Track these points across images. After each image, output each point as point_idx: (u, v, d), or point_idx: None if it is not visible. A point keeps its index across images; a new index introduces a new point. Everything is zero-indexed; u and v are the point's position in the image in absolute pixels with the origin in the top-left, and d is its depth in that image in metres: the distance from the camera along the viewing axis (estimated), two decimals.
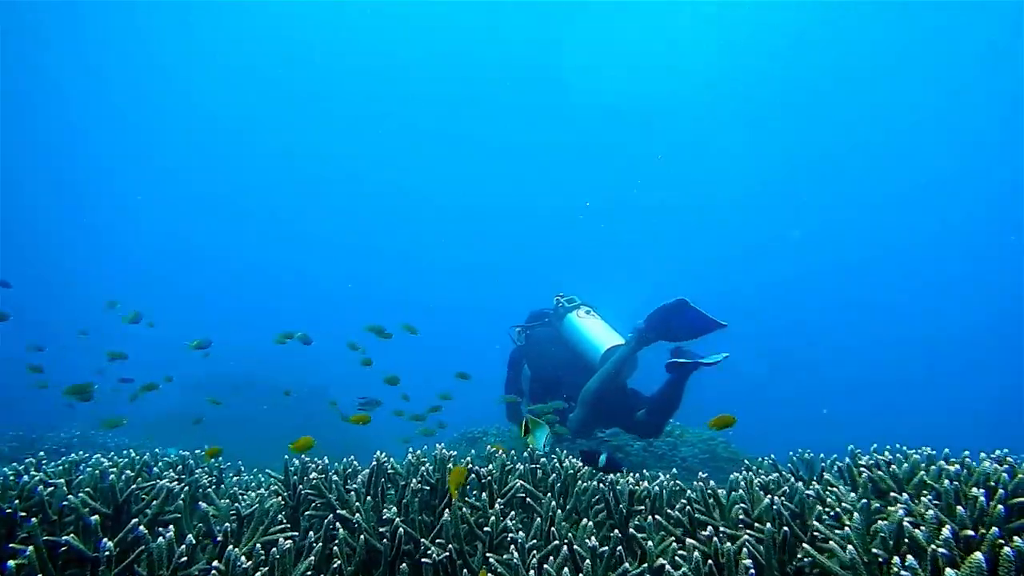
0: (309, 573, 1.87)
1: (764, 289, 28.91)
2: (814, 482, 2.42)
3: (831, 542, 1.44)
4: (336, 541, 2.05)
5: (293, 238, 32.39)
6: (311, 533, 2.15)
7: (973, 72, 21.67)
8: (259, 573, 1.80)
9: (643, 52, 25.52)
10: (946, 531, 1.26)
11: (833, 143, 26.39)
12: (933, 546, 1.24)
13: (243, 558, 1.78)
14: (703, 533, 1.81)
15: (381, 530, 2.18)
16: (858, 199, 27.48)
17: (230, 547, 1.83)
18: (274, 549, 1.81)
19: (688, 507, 2.07)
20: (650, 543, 1.87)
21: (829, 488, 1.83)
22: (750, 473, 2.53)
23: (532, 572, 1.74)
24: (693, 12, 23.92)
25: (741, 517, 1.90)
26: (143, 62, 25.56)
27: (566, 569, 1.71)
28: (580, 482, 2.48)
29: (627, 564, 1.83)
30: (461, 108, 28.83)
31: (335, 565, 1.93)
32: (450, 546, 2.04)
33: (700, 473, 2.69)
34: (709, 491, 2.08)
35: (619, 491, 2.28)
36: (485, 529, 2.09)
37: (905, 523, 1.34)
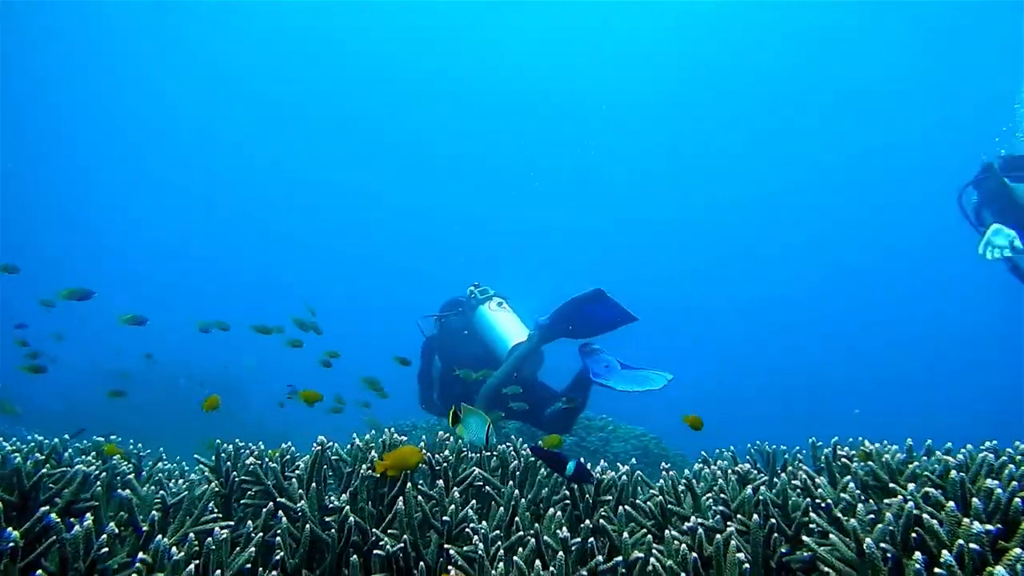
0: (248, 566, 1.69)
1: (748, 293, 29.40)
2: (780, 474, 2.37)
3: (832, 536, 1.37)
4: (277, 532, 1.87)
5: (272, 239, 31.39)
6: (248, 523, 1.97)
7: (974, 71, 22.10)
8: (192, 566, 1.61)
9: (562, 43, 25.64)
10: (976, 526, 1.20)
11: (830, 143, 26.91)
12: (962, 541, 1.17)
13: (173, 549, 1.59)
14: (687, 524, 1.71)
15: (327, 519, 2.01)
16: (858, 199, 28.10)
17: (158, 537, 1.63)
18: (209, 539, 1.62)
19: (660, 498, 1.97)
20: (625, 535, 1.76)
21: (814, 480, 1.77)
22: (717, 465, 2.46)
23: (500, 565, 1.60)
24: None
25: (720, 508, 1.82)
26: (126, 63, 24.79)
27: (538, 562, 1.59)
28: (542, 470, 2.36)
29: (599, 557, 1.72)
30: (409, 110, 28.54)
31: (277, 557, 1.75)
32: (404, 536, 1.89)
33: (663, 464, 2.61)
34: (683, 481, 1.99)
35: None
36: (444, 519, 1.94)
37: (925, 516, 1.26)
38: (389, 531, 2.00)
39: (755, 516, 1.58)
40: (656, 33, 25.28)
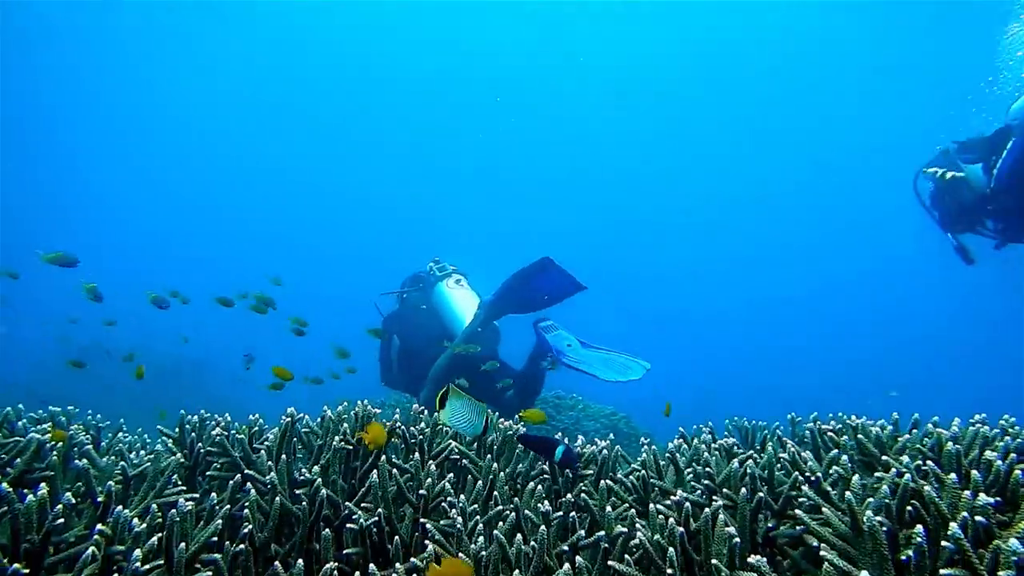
0: (215, 540, 1.62)
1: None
2: (760, 450, 2.35)
3: (825, 510, 1.33)
4: (245, 504, 1.80)
5: (266, 236, 30.81)
6: (213, 495, 1.89)
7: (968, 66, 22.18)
8: (155, 538, 1.53)
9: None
10: (982, 497, 1.17)
11: (829, 140, 27.01)
12: (965, 514, 1.14)
13: (135, 520, 1.51)
14: (672, 498, 1.67)
15: (297, 492, 1.94)
16: (855, 199, 28.27)
17: (118, 508, 1.55)
18: (173, 511, 1.54)
19: (642, 472, 1.93)
20: (608, 509, 1.72)
21: (801, 454, 1.74)
22: (700, 440, 2.43)
23: (480, 539, 1.55)
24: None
25: (705, 483, 1.78)
26: (121, 60, 24.20)
27: (519, 537, 1.54)
28: (520, 445, 2.31)
29: (581, 532, 1.68)
30: (395, 107, 28.27)
31: (245, 530, 1.68)
32: (379, 510, 1.83)
33: (642, 439, 2.58)
34: (667, 454, 1.95)
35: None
36: (420, 492, 1.88)
37: (927, 489, 1.23)
38: (362, 505, 1.94)
39: (743, 490, 1.54)
40: (645, 31, 25.26)
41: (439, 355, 4.90)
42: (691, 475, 2.03)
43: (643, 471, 1.93)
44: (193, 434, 2.18)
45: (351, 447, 2.16)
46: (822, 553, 1.17)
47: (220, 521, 1.64)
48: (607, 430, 7.04)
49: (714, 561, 1.33)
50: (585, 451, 2.12)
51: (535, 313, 4.98)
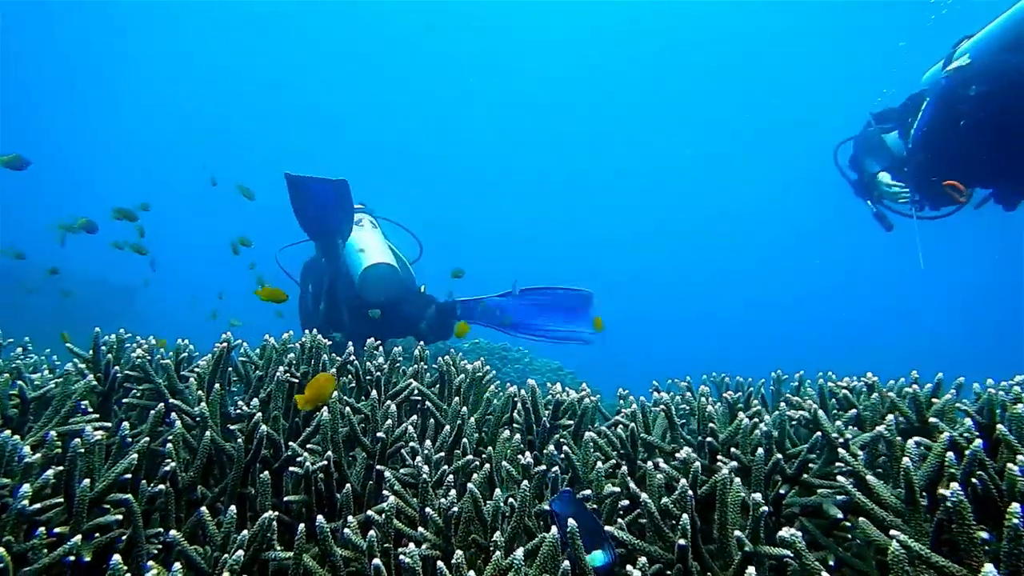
0: (128, 477, 1.36)
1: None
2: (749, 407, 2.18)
3: (869, 478, 1.15)
4: (168, 439, 1.54)
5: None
6: (125, 425, 1.62)
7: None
8: (52, 472, 1.27)
9: None
10: None
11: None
12: None
13: (26, 448, 1.25)
14: (680, 455, 1.48)
15: (232, 428, 1.68)
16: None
17: (5, 433, 1.28)
18: (77, 441, 1.28)
19: (631, 425, 1.73)
20: (599, 465, 1.52)
21: (820, 413, 1.56)
22: (687, 395, 2.25)
23: (451, 493, 1.32)
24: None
25: (708, 441, 1.59)
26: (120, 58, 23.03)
27: (497, 492, 1.32)
28: (490, 387, 2.10)
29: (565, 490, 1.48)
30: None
31: (167, 468, 1.43)
32: (328, 453, 1.60)
33: (620, 389, 2.40)
34: (662, 406, 1.75)
35: (538, 400, 1.91)
36: (378, 435, 1.65)
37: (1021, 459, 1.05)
38: (308, 446, 1.70)
39: (759, 450, 1.36)
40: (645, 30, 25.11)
41: (346, 299, 4.77)
42: (709, 430, 1.85)
43: (632, 424, 1.73)
44: (110, 355, 1.90)
45: (296, 380, 1.91)
46: (892, 533, 0.99)
47: (135, 456, 1.38)
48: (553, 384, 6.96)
49: (737, 533, 1.14)
50: (563, 399, 1.91)
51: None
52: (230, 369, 1.97)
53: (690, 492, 1.27)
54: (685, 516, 1.17)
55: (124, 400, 1.87)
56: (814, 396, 1.84)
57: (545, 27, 26.67)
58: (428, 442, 1.58)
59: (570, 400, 1.94)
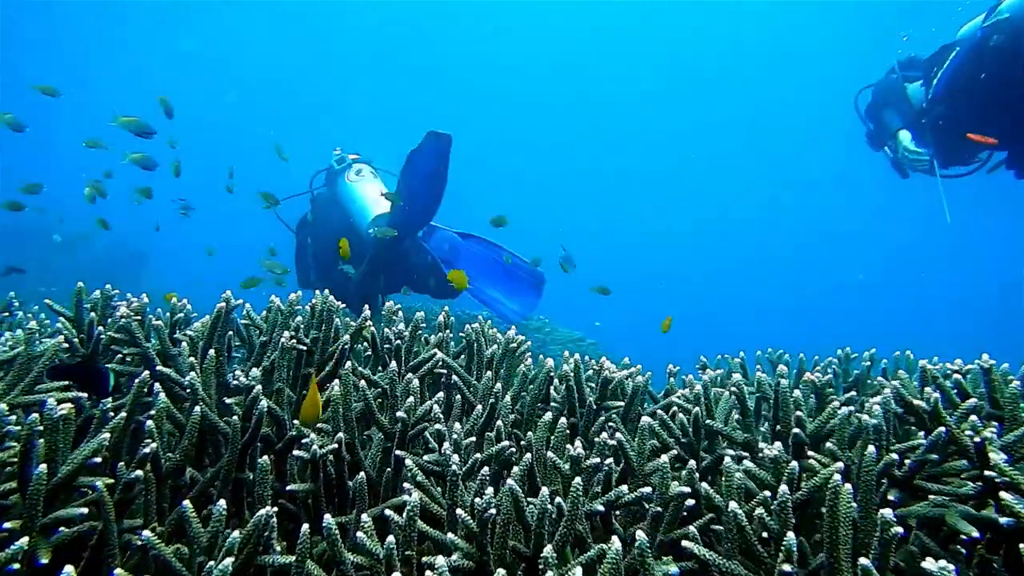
0: (100, 460, 1.13)
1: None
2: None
3: None
4: (151, 413, 1.31)
5: None
6: (107, 399, 1.39)
7: None
8: (6, 453, 1.05)
9: None
10: None
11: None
12: None
13: None
14: (768, 452, 1.23)
15: (229, 402, 1.45)
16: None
17: None
18: (34, 416, 1.05)
19: (695, 410, 1.48)
20: (664, 459, 1.27)
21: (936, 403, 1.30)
22: (735, 376, 1.99)
23: (488, 490, 1.09)
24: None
25: (795, 431, 1.34)
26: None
27: (545, 490, 1.08)
28: (528, 359, 1.85)
29: (623, 488, 1.24)
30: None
31: (147, 451, 1.20)
32: (339, 435, 1.36)
33: (670, 366, 2.14)
34: (732, 389, 1.50)
35: (582, 377, 1.67)
36: (398, 415, 1.42)
37: None
38: (317, 426, 1.47)
39: (870, 448, 1.11)
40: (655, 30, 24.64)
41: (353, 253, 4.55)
42: (797, 419, 1.60)
43: (694, 408, 1.48)
44: (93, 314, 1.67)
45: (304, 347, 1.67)
46: None
47: (107, 436, 1.16)
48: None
49: (864, 561, 0.89)
50: (613, 376, 1.67)
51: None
52: (231, 333, 1.74)
53: (790, 501, 1.02)
54: (790, 535, 0.92)
55: (109, 366, 1.64)
56: (910, 381, 1.58)
57: (546, 27, 26.30)
58: (457, 424, 1.34)
59: (619, 378, 1.69)
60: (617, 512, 1.34)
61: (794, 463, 1.12)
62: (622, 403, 1.64)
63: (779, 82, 25.42)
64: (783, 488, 1.01)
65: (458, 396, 1.70)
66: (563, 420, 1.37)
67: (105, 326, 1.68)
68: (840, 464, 1.14)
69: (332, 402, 1.41)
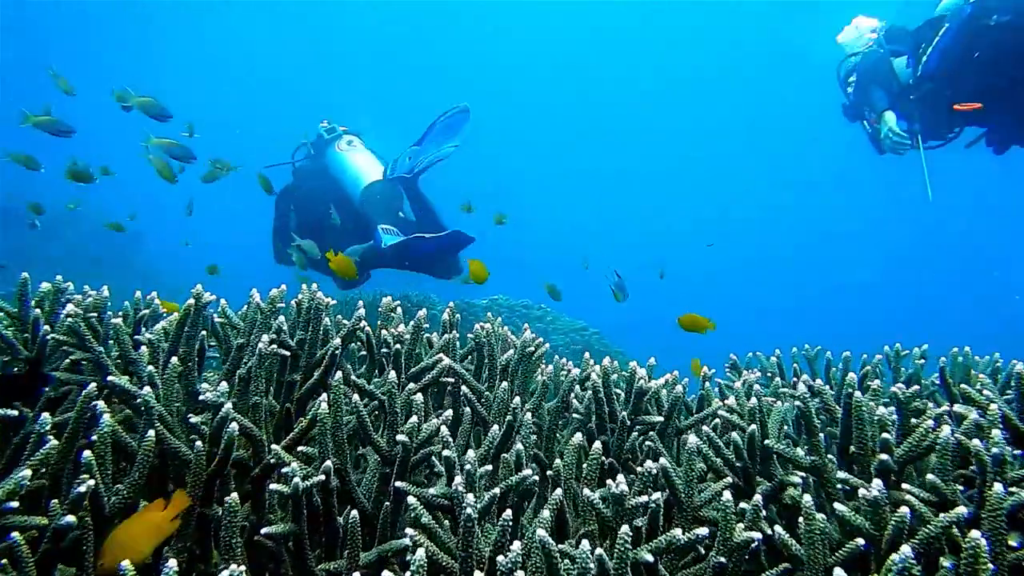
0: (14, 506, 0.89)
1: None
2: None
3: None
4: (97, 433, 1.06)
5: None
6: (45, 416, 1.14)
7: None
8: None
9: None
10: None
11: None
12: None
13: None
14: (863, 494, 0.99)
15: (193, 421, 1.21)
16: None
17: None
18: None
19: (749, 427, 1.24)
20: (726, 495, 1.03)
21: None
22: (775, 379, 1.75)
23: (513, 549, 0.85)
24: None
25: (881, 458, 1.10)
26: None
27: (586, 545, 0.84)
28: (549, 367, 1.61)
29: (677, 532, 1.00)
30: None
31: (83, 488, 0.95)
32: (328, 463, 1.12)
33: (704, 368, 1.90)
34: (798, 403, 1.26)
35: (611, 386, 1.42)
36: (399, 438, 1.18)
37: None
38: (300, 449, 1.22)
39: (996, 486, 0.87)
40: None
41: (343, 227, 4.73)
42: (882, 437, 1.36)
43: (750, 426, 1.24)
44: (37, 310, 1.42)
45: (288, 353, 1.43)
46: None
47: (27, 473, 0.91)
48: (577, 345, 6.59)
49: None
50: (647, 386, 1.43)
51: None
52: (204, 333, 1.49)
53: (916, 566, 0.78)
54: None
55: (55, 374, 1.40)
56: (991, 386, 1.34)
57: (545, 27, 26.01)
58: (470, 452, 1.10)
59: (654, 388, 1.45)
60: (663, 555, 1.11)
61: (904, 511, 0.88)
62: (660, 418, 1.40)
63: (779, 82, 25.15)
64: (904, 552, 0.77)
65: (467, 408, 1.46)
66: (597, 444, 1.13)
67: (53, 325, 1.43)
68: (962, 510, 0.90)
69: (316, 420, 1.17)
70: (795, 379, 2.12)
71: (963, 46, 3.70)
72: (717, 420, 1.49)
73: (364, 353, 1.72)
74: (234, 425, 1.09)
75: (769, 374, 2.12)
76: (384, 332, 1.55)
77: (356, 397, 1.25)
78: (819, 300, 27.13)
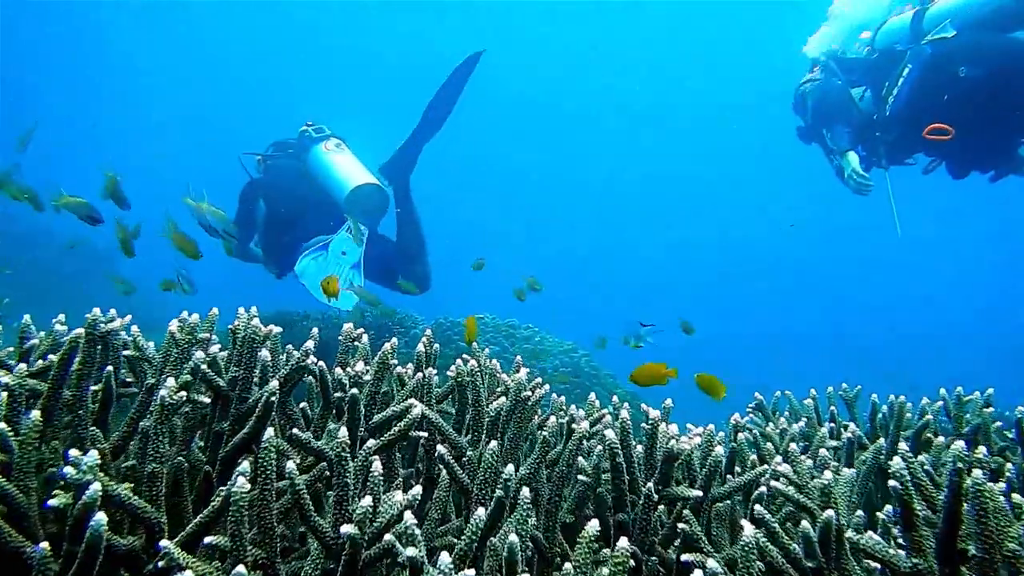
0: None
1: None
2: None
3: None
4: None
5: None
6: None
7: None
8: None
9: None
10: None
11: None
12: None
13: None
14: None
15: (52, 504, 0.86)
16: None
17: None
18: None
19: (825, 514, 0.91)
20: None
21: None
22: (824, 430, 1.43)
23: None
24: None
25: (1016, 547, 0.78)
26: None
27: None
28: (551, 420, 1.27)
29: None
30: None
31: None
32: (240, 568, 0.78)
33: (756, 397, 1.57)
34: (900, 485, 0.92)
35: (631, 448, 1.09)
36: (346, 530, 0.83)
37: None
38: (208, 540, 0.88)
39: None
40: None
41: (316, 223, 4.77)
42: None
43: (824, 512, 0.91)
44: None
45: (207, 402, 1.08)
46: None
47: None
48: (567, 367, 6.33)
49: None
50: (678, 447, 1.09)
51: None
52: (110, 369, 1.15)
53: None
54: None
55: None
56: None
57: (544, 29, 25.94)
58: (444, 556, 0.76)
59: (687, 449, 1.12)
60: None
61: None
62: (696, 492, 1.06)
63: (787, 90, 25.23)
64: None
65: (444, 471, 1.12)
66: (623, 544, 0.79)
67: None
68: None
69: (234, 503, 0.83)
70: (830, 422, 1.80)
71: (931, 91, 3.69)
72: (762, 488, 1.16)
73: (319, 390, 1.38)
74: (101, 517, 0.74)
75: (803, 419, 1.80)
76: (339, 372, 1.21)
77: (291, 465, 0.91)
78: (820, 314, 26.87)
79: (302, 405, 1.58)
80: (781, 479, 1.10)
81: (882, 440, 1.47)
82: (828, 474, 0.95)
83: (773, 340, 24.05)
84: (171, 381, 0.97)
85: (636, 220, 29.51)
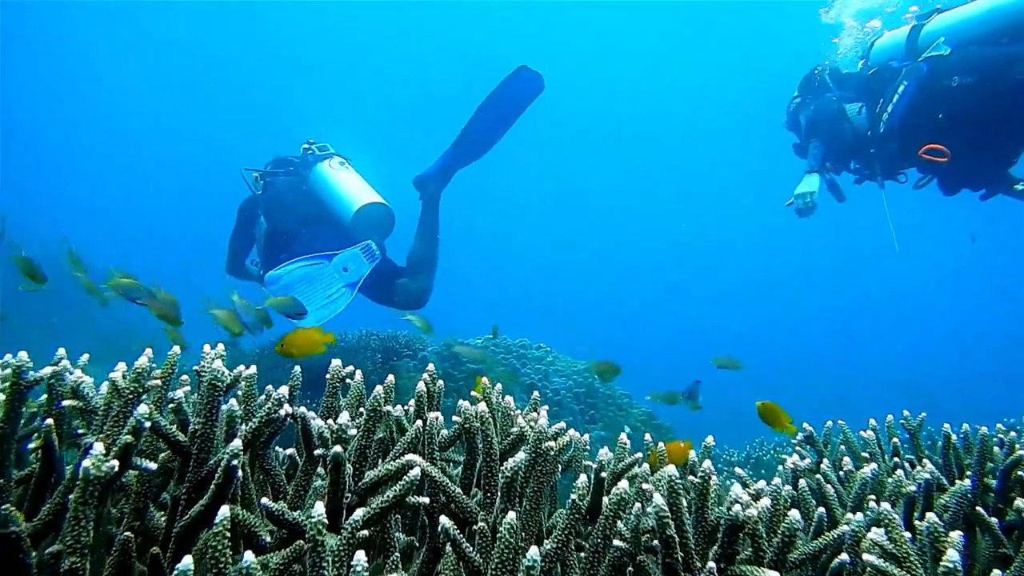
0: None
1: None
2: None
3: None
4: None
5: None
6: None
7: None
8: None
9: None
10: None
11: None
12: None
13: None
14: None
15: None
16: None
17: None
18: None
19: None
20: None
21: None
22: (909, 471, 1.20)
23: None
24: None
25: None
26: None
27: None
28: (562, 463, 1.06)
29: None
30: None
31: None
32: None
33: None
34: None
35: (680, 506, 0.87)
36: None
37: None
38: None
39: None
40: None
41: (316, 239, 4.70)
42: None
43: None
44: None
45: (153, 468, 0.87)
46: None
47: None
48: (580, 388, 6.10)
49: None
50: (744, 514, 0.87)
51: None
52: (50, 423, 0.94)
53: None
54: None
55: None
56: None
57: (543, 29, 25.95)
58: None
59: (753, 517, 0.90)
60: None
61: None
62: (774, 574, 0.84)
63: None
64: None
65: (449, 547, 0.90)
66: None
67: None
68: None
69: None
70: (902, 459, 1.57)
71: (926, 107, 3.69)
72: (843, 556, 0.93)
73: (299, 443, 1.16)
74: None
75: (866, 455, 1.57)
76: (317, 423, 0.99)
77: (249, 556, 0.70)
78: (822, 315, 26.54)
79: (288, 452, 1.37)
80: (875, 549, 0.87)
81: (965, 481, 1.25)
82: (951, 555, 0.72)
83: (786, 348, 23.77)
84: (98, 447, 0.75)
85: (652, 228, 29.40)
